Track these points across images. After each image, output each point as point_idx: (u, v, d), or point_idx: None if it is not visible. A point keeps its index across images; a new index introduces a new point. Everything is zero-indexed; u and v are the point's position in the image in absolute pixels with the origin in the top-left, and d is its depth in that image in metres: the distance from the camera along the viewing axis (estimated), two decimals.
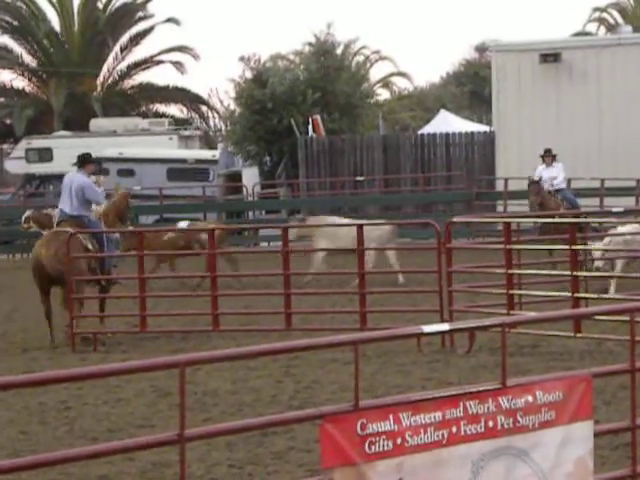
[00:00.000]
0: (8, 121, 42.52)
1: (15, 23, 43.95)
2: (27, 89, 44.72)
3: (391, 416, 4.78)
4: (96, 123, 36.25)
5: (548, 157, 20.39)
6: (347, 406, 4.87)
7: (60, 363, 11.96)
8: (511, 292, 12.35)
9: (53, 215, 21.82)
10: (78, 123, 38.25)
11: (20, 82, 44.67)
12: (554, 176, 20.05)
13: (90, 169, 14.09)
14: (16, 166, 35.74)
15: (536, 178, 19.92)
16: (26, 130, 39.39)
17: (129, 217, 15.76)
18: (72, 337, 13.18)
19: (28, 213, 22.22)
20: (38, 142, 35.05)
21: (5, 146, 44.32)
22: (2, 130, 42.65)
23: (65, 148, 33.78)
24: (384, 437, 4.74)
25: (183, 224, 19.50)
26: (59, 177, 33.77)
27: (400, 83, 53.27)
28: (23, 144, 35.37)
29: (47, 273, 13.47)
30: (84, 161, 14.10)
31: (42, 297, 13.70)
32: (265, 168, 32.52)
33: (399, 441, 4.77)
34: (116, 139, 33.38)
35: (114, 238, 14.42)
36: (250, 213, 29.43)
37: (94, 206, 14.24)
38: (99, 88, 44.44)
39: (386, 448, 4.75)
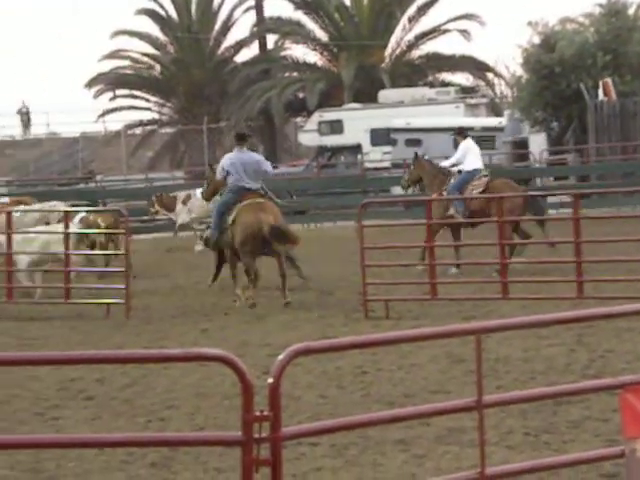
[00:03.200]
0: (301, 95, 43.92)
1: None
2: (319, 63, 46.05)
3: None
4: (384, 94, 36.83)
5: (457, 135, 17.93)
6: None
7: (354, 330, 12.31)
8: None
9: (178, 197, 22.10)
10: (367, 95, 38.98)
11: (312, 56, 46.11)
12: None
13: (248, 145, 14.77)
14: (309, 138, 36.93)
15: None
16: (318, 103, 40.57)
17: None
18: (365, 304, 13.56)
19: (154, 198, 22.05)
20: (329, 115, 36.04)
21: (299, 119, 45.87)
22: (295, 104, 44.12)
23: (355, 120, 34.60)
24: None
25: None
26: (350, 149, 34.78)
27: None
28: (315, 117, 36.50)
29: (264, 238, 13.81)
30: (242, 137, 14.65)
31: (252, 262, 14.09)
32: (552, 134, 31.90)
33: None
34: (404, 109, 33.78)
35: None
36: (537, 180, 28.99)
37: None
38: (387, 59, 45.05)
39: None
